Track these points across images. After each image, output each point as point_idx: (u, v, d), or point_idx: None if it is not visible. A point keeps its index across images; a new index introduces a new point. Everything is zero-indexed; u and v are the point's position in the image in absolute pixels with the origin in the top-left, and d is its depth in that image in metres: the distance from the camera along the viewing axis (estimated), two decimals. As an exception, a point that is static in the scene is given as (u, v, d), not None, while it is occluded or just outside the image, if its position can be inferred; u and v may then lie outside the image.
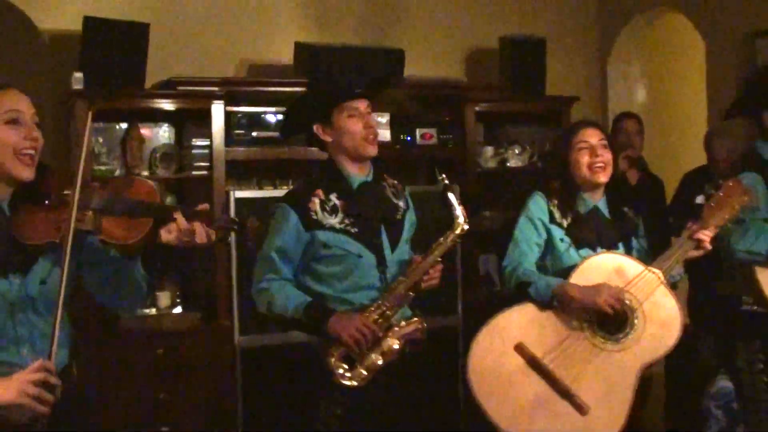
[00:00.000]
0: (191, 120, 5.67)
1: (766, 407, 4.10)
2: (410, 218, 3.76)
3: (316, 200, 3.55)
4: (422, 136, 6.03)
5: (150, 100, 5.49)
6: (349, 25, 6.47)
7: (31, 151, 2.74)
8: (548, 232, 3.81)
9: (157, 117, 5.74)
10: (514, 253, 3.79)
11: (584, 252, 3.78)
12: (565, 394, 3.55)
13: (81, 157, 2.72)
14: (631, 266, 3.72)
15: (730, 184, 3.80)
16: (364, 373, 3.42)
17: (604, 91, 7.37)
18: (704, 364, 5.07)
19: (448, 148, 6.14)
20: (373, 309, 3.47)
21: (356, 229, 3.54)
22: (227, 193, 5.43)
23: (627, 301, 3.65)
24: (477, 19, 6.88)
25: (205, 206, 2.85)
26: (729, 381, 4.69)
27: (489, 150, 6.44)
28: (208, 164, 5.51)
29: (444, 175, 3.58)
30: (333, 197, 3.56)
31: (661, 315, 3.67)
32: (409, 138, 6.01)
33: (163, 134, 5.78)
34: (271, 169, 5.92)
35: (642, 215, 4.07)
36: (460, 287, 5.94)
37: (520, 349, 3.60)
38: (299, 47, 5.92)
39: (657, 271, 3.69)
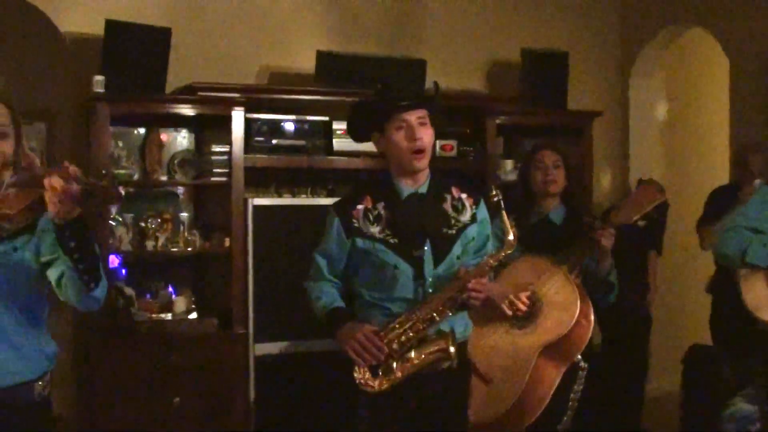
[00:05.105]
0: (211, 126, 5.67)
1: None
2: (471, 233, 3.62)
3: (361, 208, 3.54)
4: (443, 147, 6.00)
5: (170, 105, 5.46)
6: (370, 35, 6.45)
7: None
8: None
9: (177, 122, 5.72)
10: None
11: None
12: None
13: None
14: (541, 264, 4.08)
15: (645, 184, 3.85)
16: (385, 382, 3.42)
17: (626, 106, 7.33)
18: (724, 384, 5.02)
19: (468, 159, 6.13)
20: (402, 320, 3.45)
21: (395, 240, 3.51)
22: (245, 201, 5.43)
23: (531, 295, 4.03)
24: (499, 32, 6.86)
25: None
26: (747, 403, 4.64)
27: (509, 163, 6.41)
28: (227, 171, 5.49)
29: (497, 192, 3.54)
30: (380, 206, 3.54)
31: (559, 302, 3.96)
32: (429, 149, 5.97)
33: (182, 140, 5.77)
34: (290, 177, 5.91)
35: None
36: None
37: None
38: (321, 55, 5.91)
39: (563, 267, 4.02)
